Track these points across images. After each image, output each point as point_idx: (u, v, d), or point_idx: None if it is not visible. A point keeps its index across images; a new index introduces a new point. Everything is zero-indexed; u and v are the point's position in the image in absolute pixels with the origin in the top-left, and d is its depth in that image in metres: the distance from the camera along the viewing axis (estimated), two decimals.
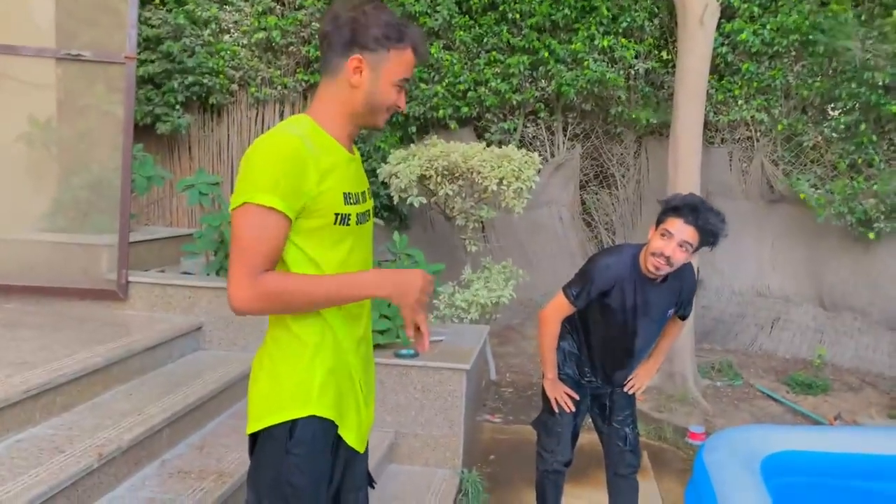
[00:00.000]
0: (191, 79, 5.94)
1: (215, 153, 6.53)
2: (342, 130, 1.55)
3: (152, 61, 5.86)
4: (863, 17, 5.69)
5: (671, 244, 2.39)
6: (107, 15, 4.16)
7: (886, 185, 5.41)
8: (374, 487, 1.77)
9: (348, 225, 1.53)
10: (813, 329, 6.37)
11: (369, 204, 1.67)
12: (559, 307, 2.69)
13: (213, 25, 6.14)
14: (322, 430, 1.53)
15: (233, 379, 3.25)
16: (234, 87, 6.34)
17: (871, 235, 5.62)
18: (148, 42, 5.80)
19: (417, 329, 1.61)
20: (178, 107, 6.02)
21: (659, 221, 2.45)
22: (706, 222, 2.36)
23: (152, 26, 5.86)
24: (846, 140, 5.97)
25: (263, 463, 1.53)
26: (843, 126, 5.97)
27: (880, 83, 5.45)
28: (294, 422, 1.49)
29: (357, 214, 1.56)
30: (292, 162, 1.40)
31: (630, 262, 2.56)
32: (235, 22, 6.27)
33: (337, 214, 1.50)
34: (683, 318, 2.86)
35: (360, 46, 1.48)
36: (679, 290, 2.69)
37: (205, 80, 6.01)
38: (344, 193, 1.51)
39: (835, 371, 5.93)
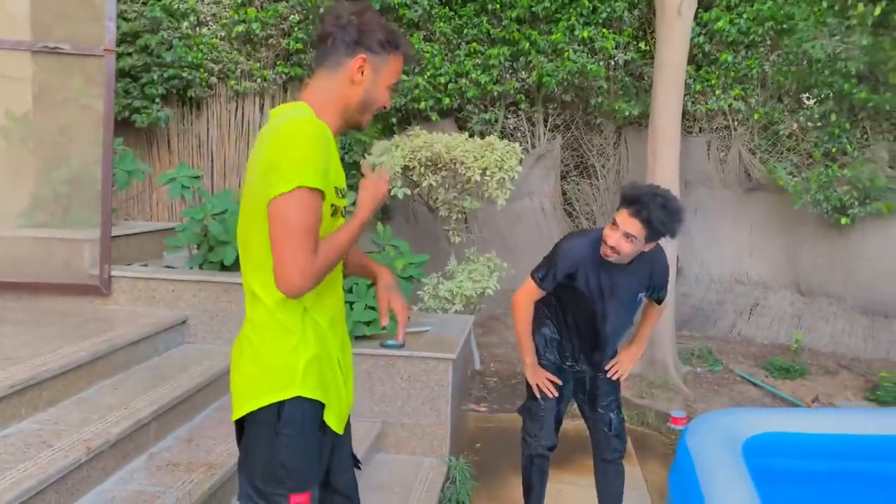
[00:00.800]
0: (170, 72, 5.89)
1: (195, 146, 6.48)
2: (332, 126, 1.59)
3: (129, 54, 5.80)
4: (836, 7, 5.77)
5: (616, 234, 2.45)
6: (82, 7, 4.12)
7: (858, 172, 5.51)
8: (360, 469, 1.80)
9: (335, 217, 1.59)
10: (790, 314, 6.49)
11: (346, 201, 1.71)
12: (528, 291, 2.76)
13: (192, 18, 6.09)
14: (310, 410, 1.55)
15: (219, 371, 3.25)
16: (214, 80, 6.30)
17: (845, 221, 5.73)
18: (125, 35, 5.73)
19: (393, 319, 1.70)
20: (157, 100, 5.96)
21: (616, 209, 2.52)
22: (650, 216, 2.38)
23: (128, 20, 5.79)
24: (821, 129, 6.07)
25: (253, 448, 1.54)
26: (817, 115, 6.07)
27: (853, 72, 5.54)
28: (281, 404, 1.51)
29: (343, 208, 1.63)
30: (323, 145, 1.47)
31: (593, 244, 2.61)
32: (214, 14, 6.21)
33: (333, 206, 1.56)
34: (659, 301, 2.91)
35: (366, 48, 1.57)
36: (649, 273, 2.72)
37: (184, 74, 5.96)
38: (336, 188, 1.57)
39: (812, 355, 6.04)
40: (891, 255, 5.92)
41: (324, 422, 1.60)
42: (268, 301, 1.53)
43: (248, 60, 6.34)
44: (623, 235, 2.44)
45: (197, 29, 6.21)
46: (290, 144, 1.44)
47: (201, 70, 6.11)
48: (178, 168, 4.07)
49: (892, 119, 5.89)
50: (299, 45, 6.24)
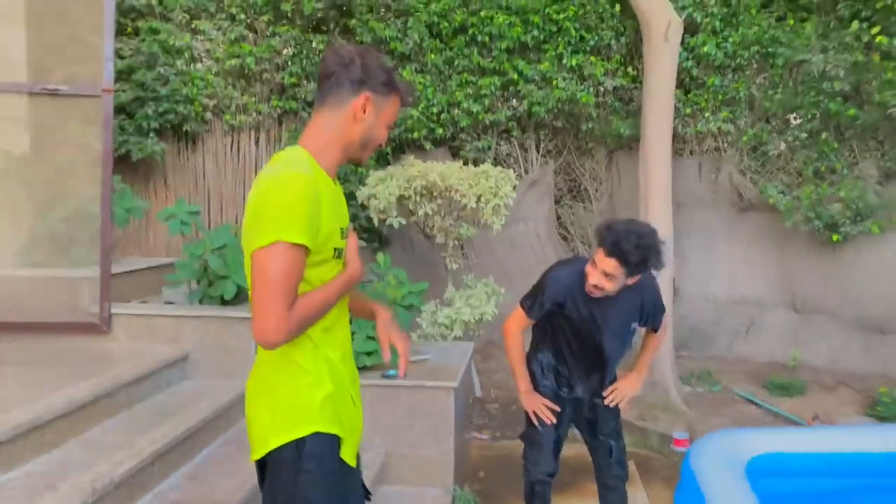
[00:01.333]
0: (165, 106, 5.94)
1: (191, 181, 6.52)
2: (332, 161, 1.64)
3: (124, 91, 5.86)
4: (819, 31, 5.90)
5: (596, 272, 2.50)
6: (78, 47, 4.16)
7: (851, 192, 5.58)
8: (369, 500, 1.81)
9: (340, 259, 1.64)
10: (787, 332, 6.51)
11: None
12: (518, 319, 2.80)
13: (186, 54, 6.16)
14: (328, 445, 1.59)
15: (222, 407, 3.25)
16: (209, 114, 6.36)
17: (837, 238, 5.78)
18: (119, 72, 5.79)
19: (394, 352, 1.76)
20: (151, 134, 6.01)
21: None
22: (626, 255, 2.40)
23: (123, 57, 5.87)
24: (809, 148, 6.16)
25: (276, 487, 1.57)
26: (805, 135, 6.16)
27: (838, 91, 5.64)
28: (301, 440, 1.54)
29: (343, 248, 1.67)
30: (311, 199, 1.48)
31: (579, 275, 2.63)
32: (208, 50, 6.29)
33: (336, 249, 1.60)
34: (654, 329, 2.93)
35: (370, 87, 1.62)
36: (640, 303, 2.75)
37: (179, 108, 6.02)
38: (341, 229, 1.63)
39: (810, 372, 6.06)
40: (884, 271, 5.97)
41: (340, 456, 1.62)
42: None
43: (243, 95, 6.41)
44: (602, 274, 2.48)
45: (191, 65, 6.28)
46: (276, 198, 1.46)
47: (196, 104, 6.17)
48: (176, 204, 4.10)
49: (878, 137, 5.98)
50: (293, 79, 6.31)
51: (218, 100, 6.30)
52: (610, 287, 2.51)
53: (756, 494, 2.84)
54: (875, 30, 5.48)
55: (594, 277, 2.50)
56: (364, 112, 1.62)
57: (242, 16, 6.34)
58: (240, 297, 3.87)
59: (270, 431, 1.56)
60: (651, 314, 2.82)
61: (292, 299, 1.46)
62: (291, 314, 1.45)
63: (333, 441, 1.60)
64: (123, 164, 6.06)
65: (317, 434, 1.56)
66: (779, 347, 6.47)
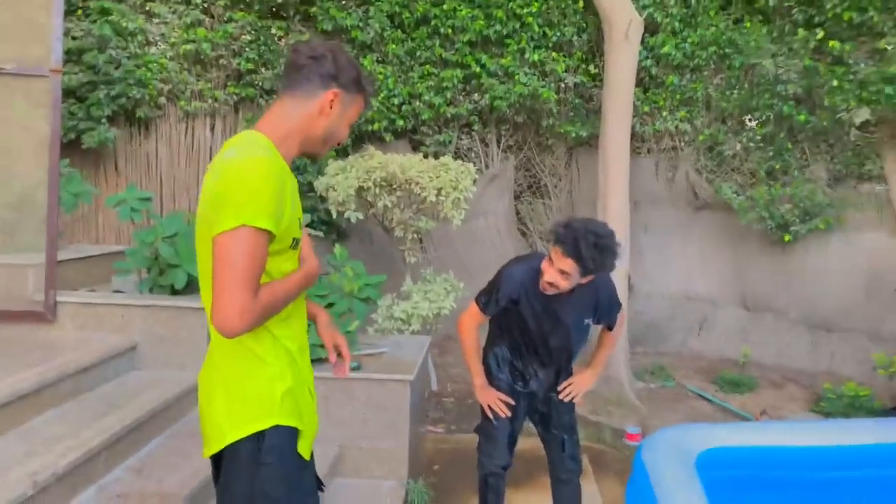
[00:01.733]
0: (117, 90, 5.76)
1: (143, 168, 6.34)
2: (290, 152, 1.61)
3: (75, 73, 5.67)
4: (774, 34, 6.03)
5: (552, 270, 2.50)
6: (25, 27, 4.00)
7: (799, 191, 5.73)
8: (323, 491, 1.79)
9: (297, 249, 1.64)
10: (738, 330, 6.67)
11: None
12: (472, 315, 2.80)
13: (140, 37, 5.99)
14: (288, 438, 1.56)
15: (170, 398, 3.17)
16: (163, 100, 6.19)
17: (788, 238, 5.94)
18: (69, 54, 5.60)
19: (339, 354, 1.79)
20: (103, 120, 5.83)
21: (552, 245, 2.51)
22: (582, 255, 2.39)
23: (74, 38, 5.67)
24: (763, 149, 6.30)
25: (233, 482, 1.53)
26: (759, 136, 6.30)
27: (791, 95, 5.78)
28: (261, 433, 1.51)
29: (299, 238, 1.65)
30: (277, 185, 1.45)
31: (534, 272, 2.63)
32: (162, 34, 6.12)
33: (294, 239, 1.58)
34: (609, 328, 2.95)
35: (340, 84, 1.62)
36: (594, 301, 2.76)
37: (132, 93, 5.84)
38: (298, 218, 1.60)
39: (759, 369, 6.21)
40: (830, 271, 6.16)
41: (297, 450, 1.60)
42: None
43: (199, 81, 6.25)
44: (558, 271, 2.48)
45: (145, 48, 6.10)
46: (241, 182, 1.41)
47: (150, 88, 6.00)
48: (127, 190, 3.98)
49: (829, 140, 6.15)
50: (251, 66, 6.19)
51: (172, 85, 6.14)
52: (564, 285, 2.51)
53: (705, 487, 2.90)
54: (821, 35, 5.62)
55: (550, 275, 2.50)
56: (331, 108, 1.61)
57: (198, 0, 6.19)
58: (191, 286, 3.78)
59: (228, 424, 1.52)
60: (606, 311, 2.83)
61: (256, 285, 1.43)
62: (256, 301, 1.41)
63: (293, 434, 1.57)
64: (72, 149, 5.86)
65: (277, 427, 1.53)
66: (730, 344, 6.62)
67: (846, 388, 5.21)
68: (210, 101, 6.25)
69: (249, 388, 1.54)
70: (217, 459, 1.60)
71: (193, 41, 6.09)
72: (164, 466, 2.75)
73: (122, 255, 4.36)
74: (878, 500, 3.57)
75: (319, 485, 1.81)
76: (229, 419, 1.53)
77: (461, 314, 2.85)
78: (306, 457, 1.64)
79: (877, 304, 5.98)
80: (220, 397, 1.56)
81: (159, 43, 6.14)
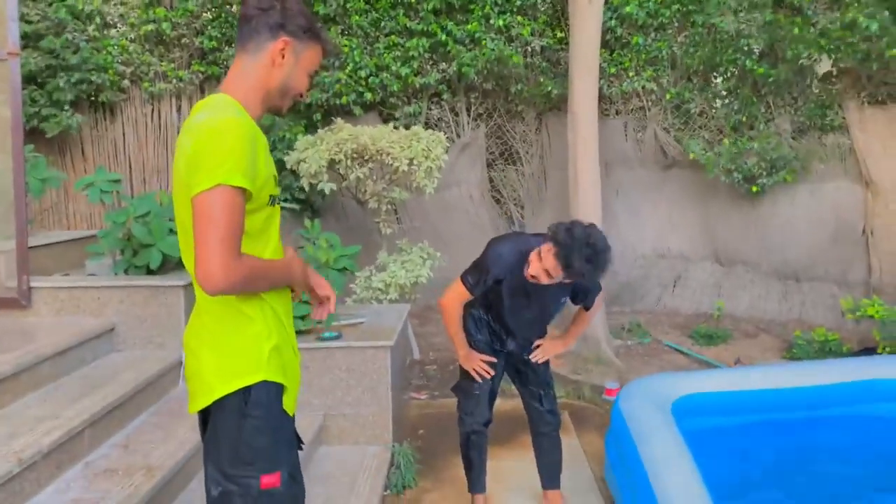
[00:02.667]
0: (77, 76, 5.66)
1: (111, 152, 6.27)
2: (255, 110, 1.62)
3: (34, 58, 5.56)
4: None
5: (537, 266, 2.47)
6: None
7: (764, 143, 5.82)
8: (302, 449, 1.83)
9: (274, 206, 1.64)
10: (711, 284, 6.80)
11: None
12: (458, 294, 2.76)
13: (98, 20, 5.87)
14: (275, 393, 1.61)
15: (152, 376, 3.19)
16: (126, 83, 6.10)
17: (755, 189, 6.04)
18: (26, 38, 5.48)
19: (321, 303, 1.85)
20: (66, 107, 5.73)
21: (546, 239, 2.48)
22: (572, 267, 2.36)
23: (30, 22, 5.55)
24: (729, 104, 6.38)
25: (220, 434, 1.57)
26: (724, 91, 6.37)
27: (755, 50, 5.85)
28: (247, 388, 1.55)
29: (276, 197, 1.66)
30: (249, 143, 1.48)
31: (522, 254, 2.63)
32: (121, 15, 6.01)
33: (271, 196, 1.60)
34: (586, 308, 3.00)
35: (288, 32, 1.60)
36: (574, 285, 2.75)
37: (93, 77, 5.75)
38: (273, 176, 1.61)
39: (733, 321, 6.36)
40: (798, 221, 6.29)
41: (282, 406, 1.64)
42: None
43: (162, 61, 6.17)
44: (544, 270, 2.45)
45: (104, 31, 5.99)
46: (214, 142, 1.44)
47: (111, 72, 5.90)
48: (96, 172, 3.94)
49: (793, 93, 6.24)
50: (214, 44, 6.11)
51: (135, 67, 6.05)
52: (545, 282, 2.52)
53: (681, 432, 2.99)
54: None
55: (534, 269, 2.48)
56: (283, 57, 1.61)
57: None
58: (166, 266, 3.77)
59: (217, 379, 1.56)
60: (583, 293, 2.86)
61: (237, 243, 1.45)
62: (240, 262, 1.45)
63: (279, 389, 1.61)
64: (37, 137, 5.78)
65: (264, 382, 1.57)
66: (704, 299, 6.76)
67: (816, 334, 5.36)
68: (175, 81, 6.18)
69: (237, 344, 1.58)
70: (205, 414, 1.64)
71: (154, 21, 6.00)
72: (149, 442, 2.78)
73: (94, 239, 4.33)
74: (846, 436, 3.71)
75: (299, 442, 1.85)
76: (218, 375, 1.56)
77: (446, 292, 2.82)
78: (290, 412, 1.69)
79: (843, 251, 6.13)
80: (207, 354, 1.60)
81: (118, 25, 6.03)
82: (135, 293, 3.56)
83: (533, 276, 2.53)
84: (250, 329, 1.59)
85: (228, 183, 1.42)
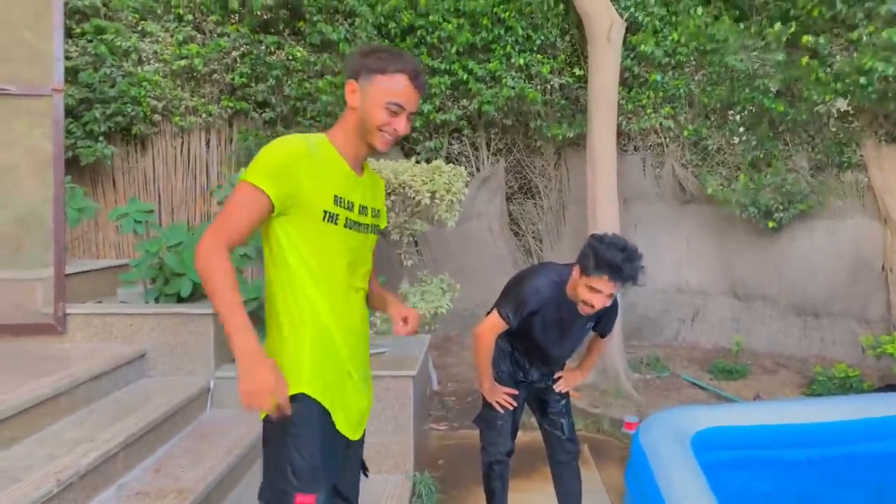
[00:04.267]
0: (112, 108, 5.88)
1: (141, 184, 6.45)
2: (350, 148, 1.80)
3: (70, 94, 5.77)
4: (753, 30, 6.18)
5: (599, 298, 2.54)
6: (22, 49, 4.11)
7: (777, 175, 5.87)
8: (366, 476, 1.89)
9: (335, 224, 1.73)
10: (730, 319, 6.81)
11: (370, 220, 1.88)
12: (494, 326, 2.80)
13: (134, 55, 6.10)
14: (318, 412, 1.70)
15: (182, 401, 3.27)
16: (157, 116, 6.30)
17: (772, 224, 6.07)
18: (66, 73, 5.69)
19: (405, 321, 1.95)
20: (100, 137, 5.94)
21: (586, 269, 2.52)
22: (628, 278, 2.49)
23: (69, 58, 5.77)
24: (746, 141, 6.45)
25: (267, 444, 1.69)
26: (742, 129, 6.46)
27: (771, 88, 5.93)
28: (290, 403, 1.63)
29: (347, 219, 1.77)
30: (289, 155, 1.66)
31: (557, 285, 2.71)
32: (155, 52, 6.24)
33: (325, 212, 1.71)
34: (602, 335, 3.07)
35: (355, 75, 1.77)
36: (602, 311, 2.86)
37: (127, 110, 5.95)
38: (335, 196, 1.73)
39: (752, 356, 6.35)
40: (816, 257, 6.30)
41: (334, 425, 1.73)
42: (279, 304, 1.72)
43: (192, 96, 6.37)
44: (607, 296, 2.54)
45: (139, 66, 6.22)
46: (262, 151, 1.67)
47: (145, 105, 6.11)
48: (129, 203, 4.08)
49: (809, 131, 6.31)
50: (243, 80, 6.31)
51: (167, 101, 6.25)
52: (601, 307, 2.59)
53: (701, 466, 3.01)
54: (792, 29, 5.77)
55: (598, 303, 2.54)
56: (354, 98, 1.76)
57: (190, 16, 6.31)
58: (196, 294, 3.88)
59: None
60: (605, 321, 2.94)
61: (230, 233, 1.61)
62: (215, 251, 1.58)
63: (321, 411, 1.70)
64: (70, 167, 5.95)
65: (304, 396, 1.67)
66: (723, 334, 6.76)
67: (836, 370, 5.35)
68: (204, 115, 6.37)
69: (281, 357, 1.69)
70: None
71: (186, 57, 6.21)
72: (180, 466, 2.85)
73: (124, 268, 4.46)
74: (868, 473, 3.69)
75: (364, 469, 1.91)
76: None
77: (482, 323, 2.87)
78: (350, 435, 1.80)
79: (862, 287, 6.12)
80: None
81: (152, 60, 6.26)
82: (165, 321, 3.67)
83: (591, 307, 2.58)
84: (291, 342, 1.70)
85: (249, 180, 1.62)
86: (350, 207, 1.78)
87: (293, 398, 1.64)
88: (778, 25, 5.80)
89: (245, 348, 1.53)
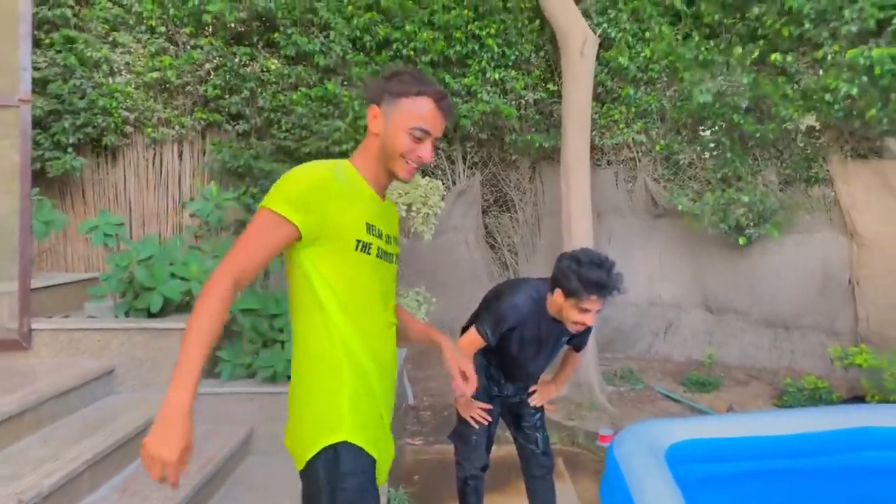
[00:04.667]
0: (82, 118, 5.79)
1: (111, 196, 6.34)
2: (372, 175, 1.71)
3: (39, 106, 5.68)
4: (721, 46, 6.30)
5: (590, 316, 2.59)
6: None
7: (754, 196, 5.98)
8: None
9: (368, 254, 1.64)
10: (702, 332, 6.88)
11: (395, 249, 1.80)
12: (473, 343, 2.80)
13: (105, 66, 6.02)
14: (367, 465, 1.60)
15: (151, 419, 3.17)
16: (129, 128, 6.21)
17: (742, 241, 6.16)
18: (33, 84, 5.60)
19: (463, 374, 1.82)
20: (69, 149, 5.84)
21: (574, 293, 2.55)
22: (614, 290, 2.56)
23: (38, 68, 5.68)
24: (716, 157, 6.55)
25: (312, 501, 1.58)
26: (712, 144, 6.56)
27: (741, 106, 6.04)
28: (336, 453, 1.55)
29: (379, 248, 1.68)
30: (315, 181, 1.57)
31: (535, 301, 2.73)
32: (127, 63, 6.16)
33: (358, 241, 1.62)
34: (578, 349, 3.10)
35: (377, 99, 1.69)
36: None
37: (98, 121, 5.87)
38: (367, 224, 1.64)
39: (724, 369, 6.42)
40: (786, 270, 6.40)
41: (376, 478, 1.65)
42: (310, 340, 1.61)
43: (165, 108, 6.30)
44: (596, 312, 2.59)
45: (110, 77, 6.14)
46: (281, 178, 1.58)
47: (116, 117, 6.03)
48: (99, 215, 4.01)
49: (778, 146, 6.42)
50: (217, 92, 6.26)
51: (139, 112, 6.17)
52: (591, 323, 2.65)
53: (676, 479, 3.03)
54: (755, 53, 5.90)
55: (590, 321, 2.59)
56: (376, 123, 1.69)
57: (163, 28, 6.25)
58: (166, 309, 3.82)
59: (302, 441, 1.61)
60: (581, 334, 2.96)
61: (248, 260, 1.51)
62: (219, 283, 1.47)
63: (368, 460, 1.61)
64: (38, 179, 5.85)
65: (348, 445, 1.59)
66: (695, 346, 6.82)
67: (806, 382, 5.42)
68: (177, 127, 6.30)
69: (317, 402, 1.61)
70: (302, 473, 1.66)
71: (159, 69, 6.15)
72: (148, 485, 2.78)
73: (94, 282, 4.38)
74: (838, 484, 3.74)
75: None
76: (300, 435, 1.62)
77: (461, 340, 2.86)
78: (381, 481, 1.68)
79: (830, 300, 6.23)
80: (292, 411, 1.66)
81: (124, 72, 6.18)
82: (135, 336, 3.61)
83: (583, 325, 2.61)
84: (329, 385, 1.60)
85: (271, 207, 1.52)
86: (380, 236, 1.69)
87: (335, 447, 1.55)
88: (738, 50, 5.91)
89: (174, 408, 1.36)
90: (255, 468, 3.37)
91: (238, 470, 3.33)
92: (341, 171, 1.63)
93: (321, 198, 1.55)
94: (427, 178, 5.30)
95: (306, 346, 1.61)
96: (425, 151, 1.69)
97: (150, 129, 6.22)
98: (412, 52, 6.58)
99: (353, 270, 1.62)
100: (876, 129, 5.49)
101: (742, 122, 6.03)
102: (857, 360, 5.03)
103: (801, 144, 6.28)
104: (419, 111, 1.66)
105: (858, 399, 5.07)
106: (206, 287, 1.48)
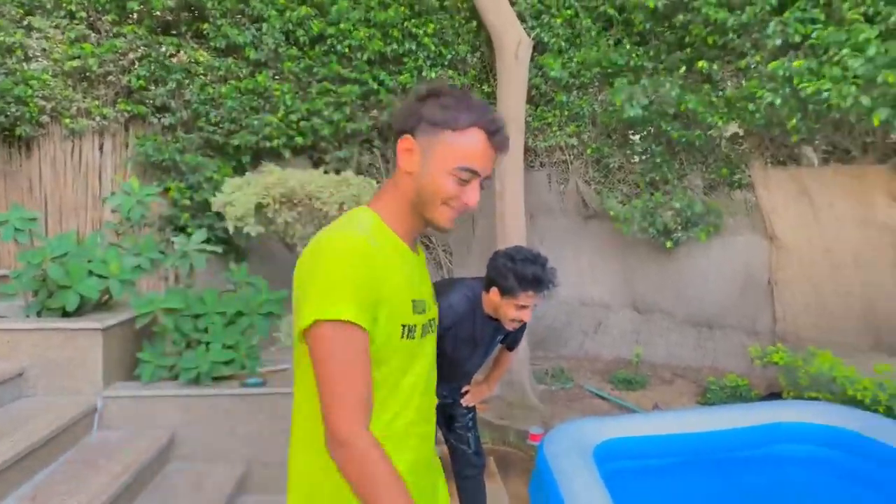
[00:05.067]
0: None
1: (25, 189, 6.02)
2: (403, 225, 1.40)
3: None
4: (651, 53, 6.47)
5: (527, 312, 2.61)
6: None
7: (680, 201, 6.16)
8: None
9: (413, 339, 1.35)
10: (630, 331, 7.04)
11: (433, 313, 1.48)
12: None
13: (19, 52, 5.71)
14: None
15: (64, 424, 3.05)
16: (46, 118, 5.91)
17: (669, 244, 6.34)
18: None
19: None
20: None
21: (510, 291, 2.55)
22: (549, 284, 2.58)
23: None
24: (645, 161, 6.72)
25: None
26: (640, 149, 6.73)
27: (669, 113, 6.21)
28: None
29: (422, 325, 1.39)
30: (362, 267, 1.24)
31: (470, 300, 2.73)
32: (44, 49, 5.86)
33: (404, 326, 1.32)
34: (511, 349, 3.12)
35: (411, 129, 1.34)
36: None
37: (11, 110, 5.55)
38: (413, 301, 1.35)
39: (650, 367, 6.59)
40: (711, 272, 6.63)
41: None
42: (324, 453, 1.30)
43: (85, 97, 6.02)
44: (532, 308, 2.61)
45: (24, 64, 5.82)
46: (314, 268, 1.25)
47: (31, 106, 5.72)
48: (10, 210, 3.79)
49: (703, 152, 6.64)
50: (141, 83, 6.02)
51: (56, 102, 5.88)
52: (528, 320, 2.66)
53: (603, 476, 3.08)
54: (682, 69, 6.10)
55: (527, 315, 2.59)
56: (411, 158, 1.34)
57: (83, 14, 5.97)
58: (83, 308, 3.64)
59: None
60: (514, 336, 2.98)
61: (358, 397, 1.21)
62: (363, 438, 1.20)
63: None
64: None
65: None
66: (624, 345, 6.98)
67: (727, 380, 5.63)
68: (98, 118, 6.03)
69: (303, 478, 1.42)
70: None
71: (79, 57, 5.87)
72: (60, 493, 2.64)
73: (4, 279, 4.14)
74: (757, 476, 3.89)
75: None
76: None
77: None
78: None
79: (751, 301, 6.48)
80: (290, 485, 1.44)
81: (40, 58, 5.87)
82: (49, 336, 3.42)
83: (521, 322, 2.60)
84: (318, 462, 1.34)
85: (327, 317, 1.19)
86: (423, 310, 1.38)
87: None
88: (665, 57, 6.09)
89: None
90: (177, 475, 3.24)
91: (157, 478, 3.20)
92: (374, 237, 1.30)
93: (369, 284, 1.24)
94: (361, 176, 5.24)
95: (316, 434, 1.31)
96: (472, 196, 1.35)
97: (68, 120, 5.94)
98: (347, 49, 6.50)
99: (393, 360, 1.32)
100: (794, 136, 5.73)
101: (669, 128, 6.20)
102: (775, 359, 5.24)
103: (725, 150, 6.51)
104: (467, 147, 1.32)
105: (776, 395, 5.29)
106: (350, 451, 1.19)
